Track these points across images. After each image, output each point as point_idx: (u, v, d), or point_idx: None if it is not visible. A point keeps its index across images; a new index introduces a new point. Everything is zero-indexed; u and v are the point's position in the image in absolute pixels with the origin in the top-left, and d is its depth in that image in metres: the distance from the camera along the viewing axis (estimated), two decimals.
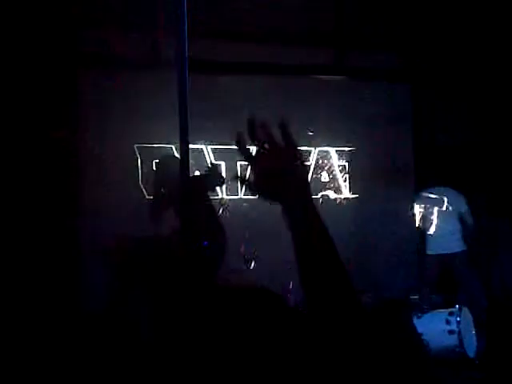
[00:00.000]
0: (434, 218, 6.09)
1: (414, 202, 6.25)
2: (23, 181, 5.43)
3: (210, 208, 5.17)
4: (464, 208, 6.09)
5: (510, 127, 6.83)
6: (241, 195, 6.81)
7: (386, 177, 7.18)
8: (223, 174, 5.29)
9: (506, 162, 6.72)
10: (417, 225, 6.20)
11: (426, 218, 6.13)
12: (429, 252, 6.13)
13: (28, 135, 5.45)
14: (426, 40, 6.65)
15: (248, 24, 6.21)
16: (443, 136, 7.00)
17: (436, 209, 6.12)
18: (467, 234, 6.08)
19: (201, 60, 5.34)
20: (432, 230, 6.10)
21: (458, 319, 5.21)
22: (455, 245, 6.06)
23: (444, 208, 6.10)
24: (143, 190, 6.17)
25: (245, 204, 6.71)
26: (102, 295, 5.42)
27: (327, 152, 7.20)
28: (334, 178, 7.22)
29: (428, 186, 6.32)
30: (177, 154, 5.76)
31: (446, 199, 6.15)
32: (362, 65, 6.75)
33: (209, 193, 5.31)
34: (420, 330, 5.16)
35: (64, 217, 5.49)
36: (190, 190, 4.76)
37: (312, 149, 7.09)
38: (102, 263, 5.36)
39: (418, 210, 6.20)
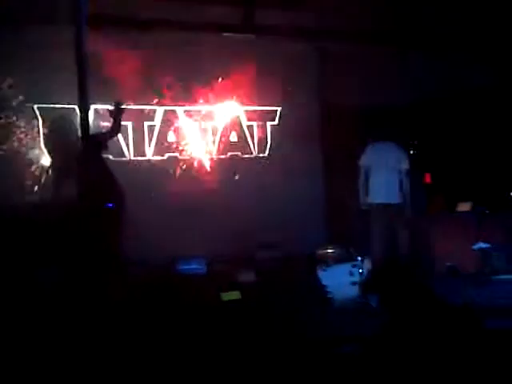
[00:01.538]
0: (380, 169, 6.25)
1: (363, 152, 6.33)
2: None
3: (108, 169, 5.07)
4: (405, 163, 6.29)
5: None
6: (149, 156, 6.74)
7: (295, 137, 7.28)
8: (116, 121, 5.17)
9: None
10: (362, 174, 6.31)
11: (371, 169, 6.28)
12: (372, 201, 6.29)
13: None
14: None
15: None
16: (350, 96, 7.13)
17: (382, 161, 6.27)
18: (404, 188, 6.29)
19: (102, 15, 5.16)
20: (377, 181, 6.26)
21: (361, 271, 5.44)
22: (394, 196, 6.27)
23: (389, 161, 6.27)
24: (45, 152, 5.94)
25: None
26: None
27: (236, 112, 7.21)
28: (243, 138, 7.25)
29: (373, 139, 6.43)
30: (74, 116, 5.61)
31: (391, 153, 6.32)
32: (271, 23, 6.72)
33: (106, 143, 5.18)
34: (325, 282, 5.36)
35: None
36: (91, 151, 4.67)
37: (220, 108, 7.08)
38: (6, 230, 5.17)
39: (364, 160, 6.31)
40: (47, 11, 5.46)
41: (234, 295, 4.63)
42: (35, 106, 6.09)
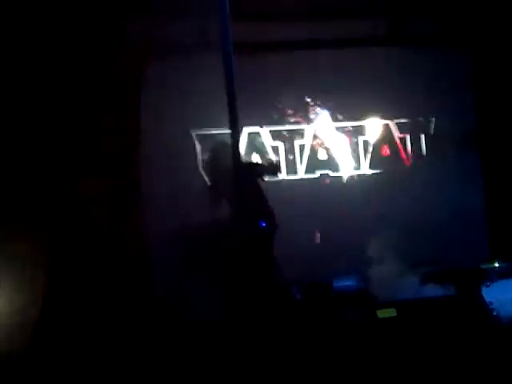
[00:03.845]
0: None
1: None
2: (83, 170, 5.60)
3: (261, 190, 5.23)
4: None
5: None
6: (301, 175, 6.84)
7: (451, 144, 7.00)
8: (279, 158, 5.37)
9: None
10: None
11: None
12: None
13: (88, 123, 5.59)
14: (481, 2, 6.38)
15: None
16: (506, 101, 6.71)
17: None
18: None
19: (248, 42, 5.37)
20: None
21: None
22: None
23: None
24: (204, 176, 6.28)
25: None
26: (171, 281, 5.60)
27: (387, 125, 7.09)
28: (395, 152, 7.09)
29: None
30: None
31: None
32: (416, 32, 6.57)
33: (264, 177, 5.36)
34: (489, 299, 5.04)
35: (128, 204, 5.64)
36: (243, 175, 4.85)
37: (370, 123, 7.01)
38: (169, 249, 5.53)
39: None
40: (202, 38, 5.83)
41: (390, 312, 4.53)
42: (193, 133, 6.49)
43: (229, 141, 5.91)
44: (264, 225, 4.93)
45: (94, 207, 5.21)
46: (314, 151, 6.87)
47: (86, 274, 4.95)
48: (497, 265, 6.02)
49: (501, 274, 5.54)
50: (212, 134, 6.36)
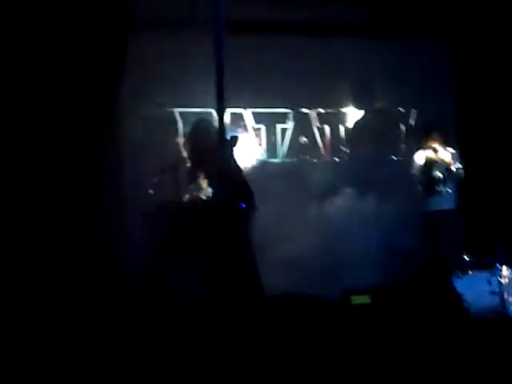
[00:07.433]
0: (439, 173, 6.10)
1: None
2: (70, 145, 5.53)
3: (241, 171, 5.19)
4: (459, 166, 6.13)
5: None
6: (281, 158, 6.84)
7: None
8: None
9: None
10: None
11: (430, 175, 6.13)
12: (432, 208, 6.13)
13: (72, 100, 5.50)
14: None
15: None
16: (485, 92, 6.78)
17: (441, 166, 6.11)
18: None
19: (235, 21, 5.30)
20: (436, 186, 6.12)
21: (500, 280, 5.16)
22: (448, 201, 6.12)
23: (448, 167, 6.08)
24: (185, 154, 6.22)
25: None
26: (148, 258, 5.57)
27: (368, 113, 7.11)
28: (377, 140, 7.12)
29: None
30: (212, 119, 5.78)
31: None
32: (398, 23, 6.59)
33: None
34: (461, 291, 5.13)
35: (108, 179, 5.58)
36: (227, 154, 4.83)
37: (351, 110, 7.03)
38: (148, 226, 5.50)
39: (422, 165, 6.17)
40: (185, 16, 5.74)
41: (364, 299, 4.57)
42: (176, 111, 6.42)
43: (210, 120, 5.91)
44: (244, 206, 4.91)
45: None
46: (296, 136, 6.87)
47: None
48: (468, 257, 6.14)
49: (473, 267, 5.64)
50: (194, 113, 6.30)
